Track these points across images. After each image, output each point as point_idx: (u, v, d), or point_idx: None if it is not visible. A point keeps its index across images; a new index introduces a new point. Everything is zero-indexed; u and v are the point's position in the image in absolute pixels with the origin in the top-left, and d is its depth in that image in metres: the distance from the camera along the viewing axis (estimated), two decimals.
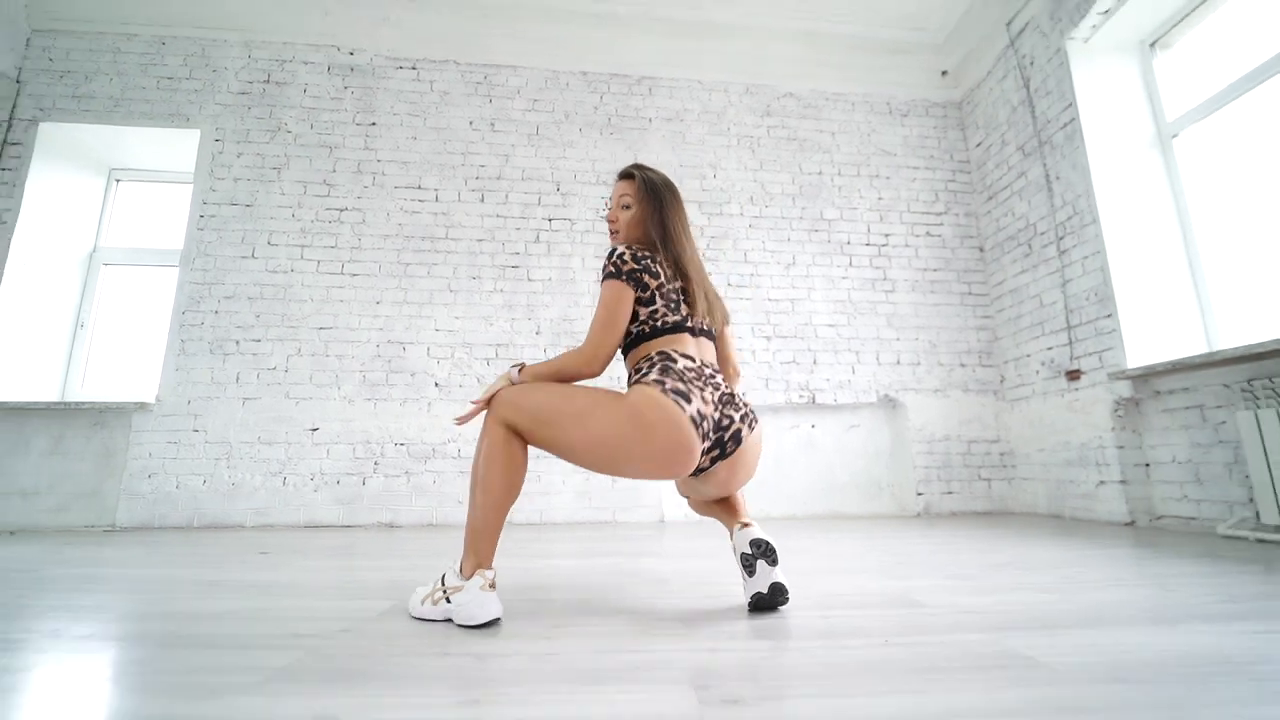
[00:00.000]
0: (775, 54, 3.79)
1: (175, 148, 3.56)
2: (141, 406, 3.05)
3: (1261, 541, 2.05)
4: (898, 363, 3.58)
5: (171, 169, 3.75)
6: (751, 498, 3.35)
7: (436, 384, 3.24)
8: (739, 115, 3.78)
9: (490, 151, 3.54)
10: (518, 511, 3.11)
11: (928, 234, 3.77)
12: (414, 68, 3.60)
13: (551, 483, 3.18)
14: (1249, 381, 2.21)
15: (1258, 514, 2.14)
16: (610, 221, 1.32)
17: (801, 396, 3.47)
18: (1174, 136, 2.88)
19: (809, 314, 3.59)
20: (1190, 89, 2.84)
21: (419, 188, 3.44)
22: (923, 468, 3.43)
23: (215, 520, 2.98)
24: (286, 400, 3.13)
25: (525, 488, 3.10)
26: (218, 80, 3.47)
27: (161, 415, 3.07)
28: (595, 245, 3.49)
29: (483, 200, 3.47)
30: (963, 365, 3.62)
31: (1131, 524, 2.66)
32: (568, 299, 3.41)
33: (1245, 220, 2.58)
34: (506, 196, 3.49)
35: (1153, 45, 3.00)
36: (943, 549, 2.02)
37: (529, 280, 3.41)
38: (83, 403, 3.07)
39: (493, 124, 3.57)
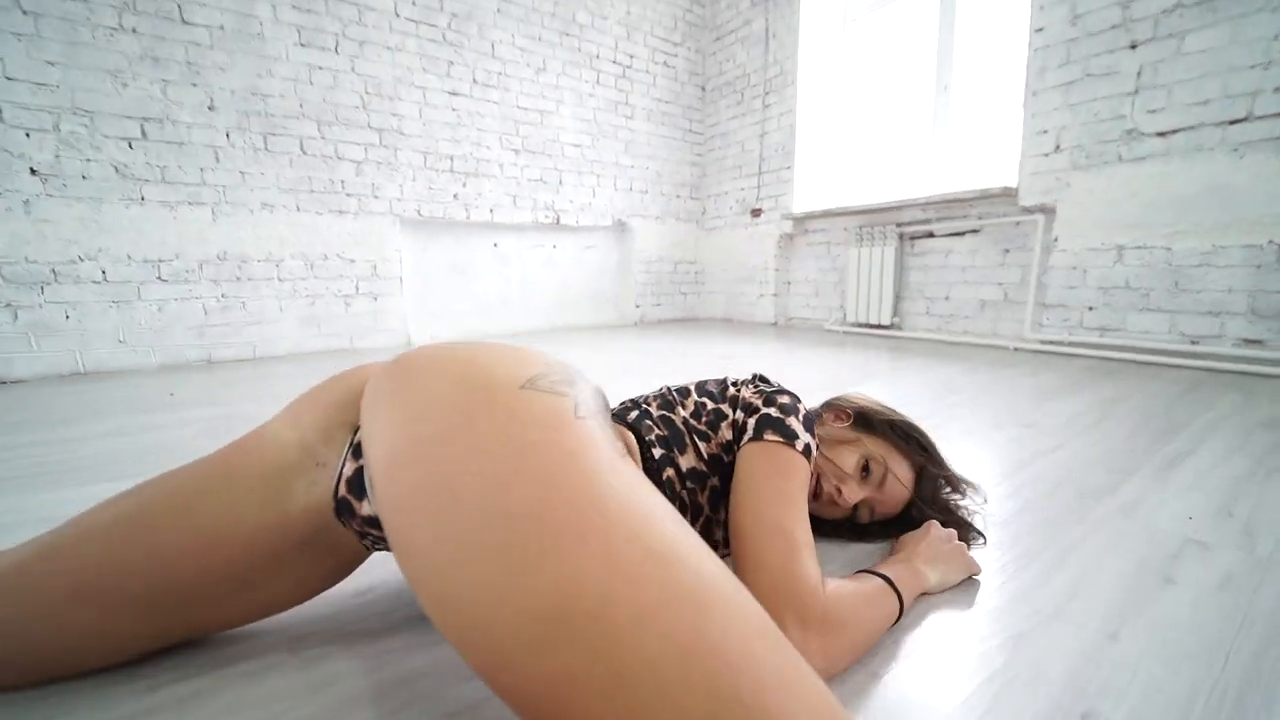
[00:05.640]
0: None
1: None
2: None
3: (847, 333, 3.22)
4: (630, 189, 3.87)
5: None
6: (497, 317, 3.44)
7: (34, 170, 2.12)
8: None
9: None
10: (223, 347, 2.52)
11: (665, 64, 3.91)
12: None
13: (263, 309, 2.62)
14: (859, 228, 3.22)
15: (845, 315, 3.32)
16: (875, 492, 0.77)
17: (547, 217, 3.51)
18: (853, 20, 3.54)
19: (557, 130, 3.48)
20: None
21: None
22: (641, 284, 4.01)
23: None
24: None
25: (229, 316, 2.51)
26: None
27: None
28: None
29: None
30: (678, 196, 4.15)
31: (775, 324, 3.76)
32: (255, 63, 2.49)
33: (892, 107, 3.49)
34: None
35: None
36: (651, 348, 2.56)
37: (183, 23, 2.33)
38: None
39: None
